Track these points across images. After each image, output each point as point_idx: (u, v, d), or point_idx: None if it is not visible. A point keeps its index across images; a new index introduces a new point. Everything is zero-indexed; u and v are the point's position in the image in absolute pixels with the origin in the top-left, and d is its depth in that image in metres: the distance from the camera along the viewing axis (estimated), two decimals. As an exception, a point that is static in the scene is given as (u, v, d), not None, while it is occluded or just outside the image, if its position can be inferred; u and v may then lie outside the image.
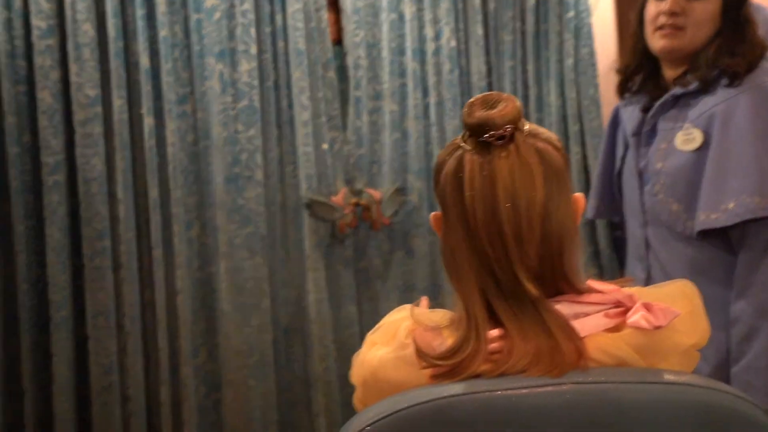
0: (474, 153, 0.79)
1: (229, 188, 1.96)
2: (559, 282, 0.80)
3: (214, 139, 1.95)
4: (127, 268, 1.85)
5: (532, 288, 0.77)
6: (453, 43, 2.15)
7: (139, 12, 1.85)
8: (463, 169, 0.79)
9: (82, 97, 1.82)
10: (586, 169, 2.20)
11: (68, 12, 1.80)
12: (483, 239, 0.77)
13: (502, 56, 2.21)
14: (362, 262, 2.13)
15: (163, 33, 1.88)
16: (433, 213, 0.87)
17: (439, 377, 0.76)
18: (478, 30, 2.18)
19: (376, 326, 0.86)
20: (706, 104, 1.58)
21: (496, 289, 0.78)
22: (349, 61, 2.09)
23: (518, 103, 0.80)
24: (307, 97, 2.00)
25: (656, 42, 1.64)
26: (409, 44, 2.12)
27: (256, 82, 1.97)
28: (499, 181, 0.77)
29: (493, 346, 0.77)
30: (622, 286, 0.83)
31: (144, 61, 1.86)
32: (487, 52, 2.22)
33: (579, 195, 0.85)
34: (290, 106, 2.03)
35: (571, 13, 2.18)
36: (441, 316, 0.83)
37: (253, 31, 1.96)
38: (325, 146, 2.05)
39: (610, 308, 0.80)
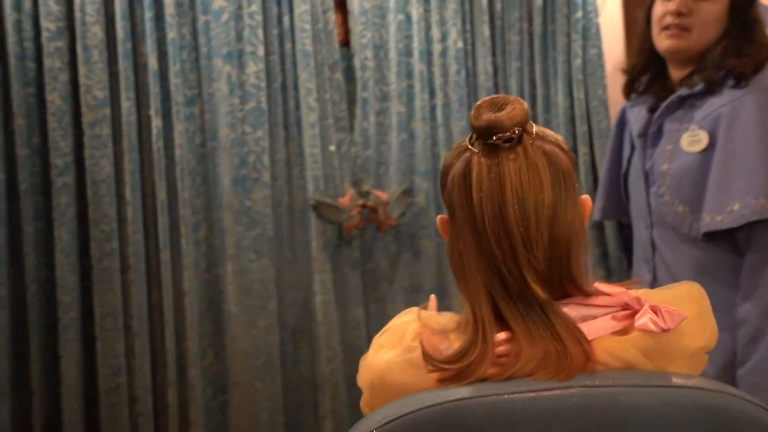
0: (482, 155, 0.79)
1: (236, 190, 1.96)
2: (566, 284, 0.80)
3: (221, 141, 1.95)
4: (135, 270, 1.86)
5: (539, 290, 0.77)
6: (460, 45, 2.15)
7: (148, 14, 1.86)
8: (471, 171, 0.79)
9: (90, 98, 1.83)
10: (594, 170, 2.19)
11: (77, 14, 1.81)
12: (491, 242, 0.77)
13: (510, 57, 2.20)
14: (369, 264, 2.13)
15: (171, 35, 1.89)
16: (439, 216, 0.87)
17: (446, 381, 0.76)
18: (485, 31, 2.17)
19: (383, 329, 0.86)
20: (712, 105, 1.58)
21: (504, 292, 0.78)
22: (356, 62, 2.10)
23: (525, 105, 0.80)
24: (314, 99, 2.01)
25: (662, 42, 1.64)
26: (416, 45, 2.12)
27: (263, 84, 1.97)
28: (507, 184, 0.77)
29: (500, 349, 0.76)
30: (630, 289, 0.83)
31: (152, 62, 1.87)
32: (494, 53, 2.21)
33: (586, 197, 0.85)
34: (297, 107, 2.03)
35: (579, 14, 2.18)
36: (448, 319, 0.83)
37: (260, 32, 1.96)
38: (333, 148, 2.05)
39: (617, 311, 0.80)
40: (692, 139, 1.59)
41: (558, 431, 0.70)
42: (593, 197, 1.95)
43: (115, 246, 1.84)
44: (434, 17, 2.13)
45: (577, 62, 2.18)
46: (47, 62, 1.81)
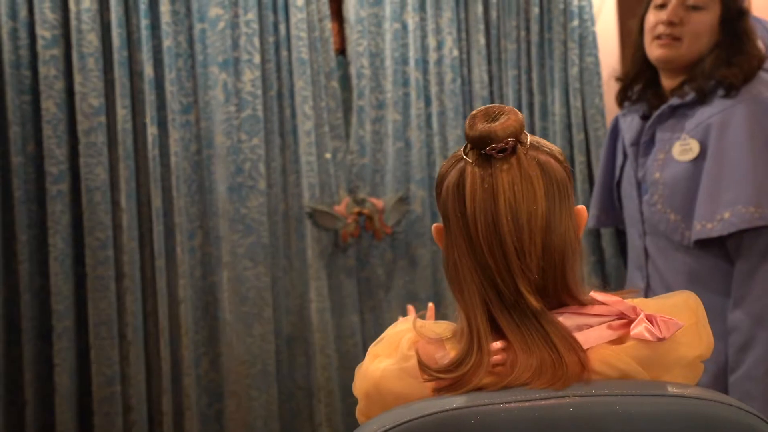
0: (475, 165, 0.79)
1: (231, 197, 1.96)
2: (561, 294, 0.80)
3: (217, 149, 1.95)
4: (130, 278, 1.85)
5: (533, 300, 0.77)
6: (455, 53, 2.15)
7: (144, 22, 1.86)
8: (464, 181, 0.79)
9: (86, 106, 1.83)
10: (590, 179, 2.19)
11: (73, 22, 1.81)
12: (484, 252, 0.77)
13: (507, 65, 2.21)
14: (365, 272, 2.13)
15: (167, 43, 1.89)
16: (434, 224, 0.87)
17: (441, 390, 0.76)
18: (480, 39, 2.18)
19: (379, 338, 0.86)
20: (703, 115, 1.59)
21: (499, 301, 0.78)
22: (352, 70, 2.10)
23: (520, 115, 0.80)
24: (310, 107, 2.01)
25: (654, 51, 1.65)
26: (412, 54, 2.13)
27: (259, 92, 1.97)
28: (500, 194, 0.77)
29: (496, 358, 0.76)
30: (626, 298, 0.83)
31: (148, 70, 1.87)
32: (489, 62, 2.22)
33: (581, 207, 0.85)
34: (293, 115, 2.03)
35: (575, 22, 2.19)
36: (444, 327, 0.82)
37: (256, 40, 1.97)
38: (328, 155, 2.05)
39: (613, 320, 0.80)
40: (683, 148, 1.60)
41: (554, 441, 0.70)
42: (589, 205, 1.96)
43: (109, 254, 1.83)
44: (430, 26, 2.14)
45: (574, 70, 2.19)
46: (42, 70, 1.80)
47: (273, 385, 1.97)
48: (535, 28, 2.20)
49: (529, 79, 2.22)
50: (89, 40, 1.83)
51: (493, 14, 2.20)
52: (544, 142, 0.83)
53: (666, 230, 1.63)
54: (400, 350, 0.81)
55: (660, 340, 0.77)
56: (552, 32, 2.21)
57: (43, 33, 1.80)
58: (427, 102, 2.16)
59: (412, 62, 2.13)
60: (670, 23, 1.61)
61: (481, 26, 2.18)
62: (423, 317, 0.87)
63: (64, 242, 1.81)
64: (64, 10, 1.83)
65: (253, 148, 1.97)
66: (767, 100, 1.55)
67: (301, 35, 2.00)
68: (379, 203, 2.10)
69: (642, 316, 0.78)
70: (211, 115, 1.95)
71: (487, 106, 0.82)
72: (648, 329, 0.77)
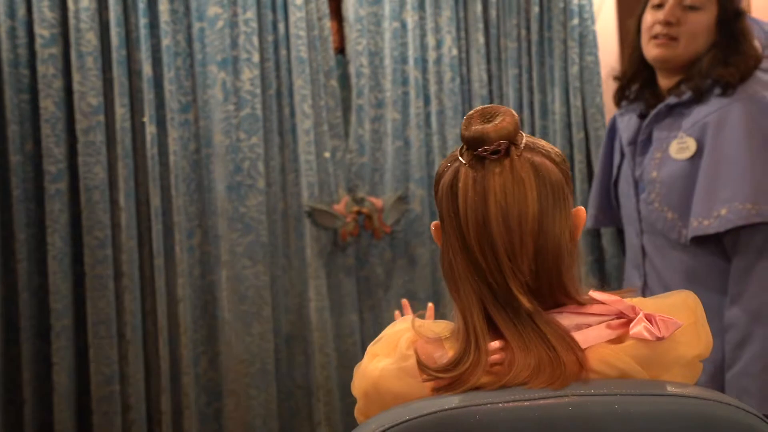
0: (469, 167, 0.79)
1: (230, 196, 1.96)
2: (558, 295, 0.80)
3: (216, 148, 1.95)
4: (129, 277, 1.85)
5: (525, 301, 0.77)
6: (454, 52, 2.15)
7: (142, 21, 1.86)
8: (458, 182, 0.79)
9: (84, 105, 1.83)
10: (590, 178, 2.19)
11: (71, 21, 1.81)
12: (476, 252, 0.78)
13: (507, 64, 2.21)
14: (364, 271, 2.13)
15: (165, 42, 1.89)
16: (433, 222, 0.87)
17: (440, 390, 0.76)
18: (479, 38, 2.18)
19: (378, 337, 0.86)
20: (700, 113, 1.60)
21: (494, 301, 0.78)
22: (352, 69, 2.10)
23: (516, 116, 0.80)
24: (309, 106, 2.01)
25: (651, 51, 1.66)
26: (411, 53, 2.13)
27: (258, 91, 1.97)
28: (491, 197, 0.77)
29: (494, 357, 0.76)
30: (625, 297, 0.83)
31: (147, 69, 1.87)
32: (489, 61, 2.22)
33: (579, 209, 0.85)
34: (292, 114, 2.03)
35: (576, 21, 2.19)
36: (443, 327, 0.82)
37: (255, 39, 1.97)
38: (327, 154, 2.05)
39: (612, 319, 0.79)
40: (680, 147, 1.61)
41: (553, 440, 0.70)
42: (587, 205, 1.96)
43: (108, 253, 1.83)
44: (429, 25, 2.14)
45: (574, 69, 2.18)
46: (41, 69, 1.80)
47: (272, 384, 1.97)
48: (535, 26, 2.20)
49: (530, 78, 2.22)
50: (88, 38, 1.83)
51: (493, 13, 2.20)
52: (541, 143, 0.83)
53: (663, 228, 1.64)
54: (398, 350, 0.81)
55: (659, 339, 0.77)
56: (552, 31, 2.21)
57: (42, 32, 1.80)
58: (426, 101, 2.16)
59: (411, 61, 2.13)
60: (666, 23, 1.62)
61: (480, 25, 2.18)
62: (422, 317, 0.87)
63: (62, 241, 1.81)
64: (62, 9, 1.83)
65: (252, 147, 1.97)
66: (764, 99, 1.57)
67: (300, 34, 2.00)
68: (378, 202, 2.09)
69: (641, 315, 0.78)
70: (210, 114, 1.95)
71: (485, 106, 0.81)
72: (647, 328, 0.77)
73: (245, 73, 1.96)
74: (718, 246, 1.58)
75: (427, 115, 2.16)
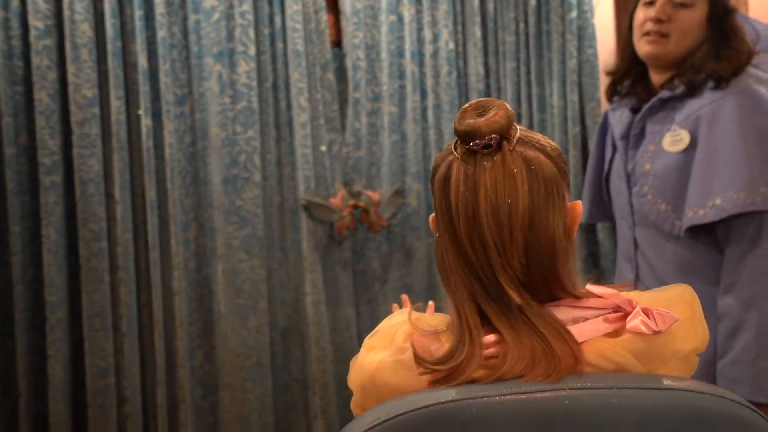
0: (461, 161, 0.79)
1: (226, 189, 1.95)
2: (553, 289, 0.80)
3: (212, 140, 1.94)
4: (124, 270, 1.84)
5: (515, 296, 0.77)
6: (451, 46, 2.15)
7: (138, 12, 1.85)
8: (450, 176, 0.79)
9: (79, 97, 1.82)
10: (584, 172, 2.19)
11: (66, 12, 1.80)
12: (467, 246, 0.77)
13: (504, 57, 2.21)
14: (360, 264, 2.13)
15: (161, 34, 1.88)
16: (431, 214, 0.87)
17: (437, 382, 0.76)
18: (476, 32, 2.18)
19: (374, 330, 0.86)
20: (693, 106, 1.62)
21: (485, 295, 0.78)
22: (348, 62, 2.09)
23: (510, 110, 0.80)
24: (305, 99, 2.00)
25: (643, 47, 1.68)
26: (408, 46, 2.12)
27: (254, 83, 1.96)
28: (482, 191, 0.77)
29: (489, 351, 0.76)
30: (621, 291, 0.83)
31: (142, 61, 1.86)
32: (486, 54, 2.21)
33: (576, 203, 0.84)
34: (289, 107, 2.02)
35: (574, 14, 2.18)
36: (439, 320, 0.82)
37: (251, 32, 1.96)
38: (324, 148, 2.05)
39: (609, 313, 0.79)
40: (674, 139, 1.63)
41: (549, 433, 0.70)
42: (582, 200, 1.96)
43: (103, 245, 1.83)
44: (426, 18, 2.13)
45: (572, 62, 2.18)
46: (35, 60, 1.79)
47: (268, 377, 1.97)
48: (532, 19, 2.20)
49: (528, 71, 2.22)
50: (83, 30, 1.81)
51: (490, 6, 2.19)
52: (537, 136, 0.82)
53: (656, 221, 1.65)
54: (395, 343, 0.81)
55: (656, 333, 0.77)
56: (550, 24, 2.20)
57: (36, 23, 1.79)
58: (423, 95, 2.15)
59: (408, 54, 2.12)
60: (658, 20, 1.64)
61: (478, 18, 2.18)
62: (419, 310, 0.87)
63: (57, 234, 1.80)
64: (57, 0, 1.82)
65: (248, 140, 1.96)
66: (756, 92, 1.58)
67: (296, 27, 1.99)
68: (374, 196, 2.09)
69: (638, 309, 0.78)
70: (205, 107, 1.94)
71: (479, 99, 0.81)
72: (644, 322, 0.77)
73: (241, 66, 1.95)
74: (711, 237, 1.59)
75: (424, 109, 2.16)
